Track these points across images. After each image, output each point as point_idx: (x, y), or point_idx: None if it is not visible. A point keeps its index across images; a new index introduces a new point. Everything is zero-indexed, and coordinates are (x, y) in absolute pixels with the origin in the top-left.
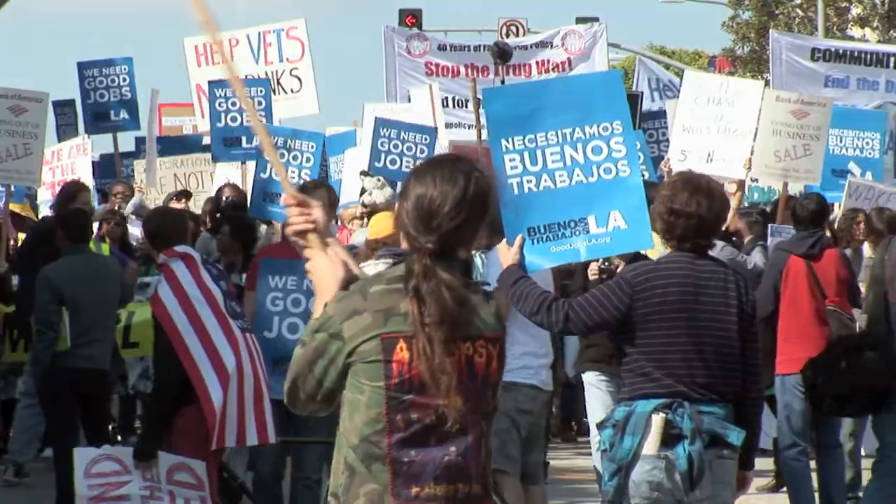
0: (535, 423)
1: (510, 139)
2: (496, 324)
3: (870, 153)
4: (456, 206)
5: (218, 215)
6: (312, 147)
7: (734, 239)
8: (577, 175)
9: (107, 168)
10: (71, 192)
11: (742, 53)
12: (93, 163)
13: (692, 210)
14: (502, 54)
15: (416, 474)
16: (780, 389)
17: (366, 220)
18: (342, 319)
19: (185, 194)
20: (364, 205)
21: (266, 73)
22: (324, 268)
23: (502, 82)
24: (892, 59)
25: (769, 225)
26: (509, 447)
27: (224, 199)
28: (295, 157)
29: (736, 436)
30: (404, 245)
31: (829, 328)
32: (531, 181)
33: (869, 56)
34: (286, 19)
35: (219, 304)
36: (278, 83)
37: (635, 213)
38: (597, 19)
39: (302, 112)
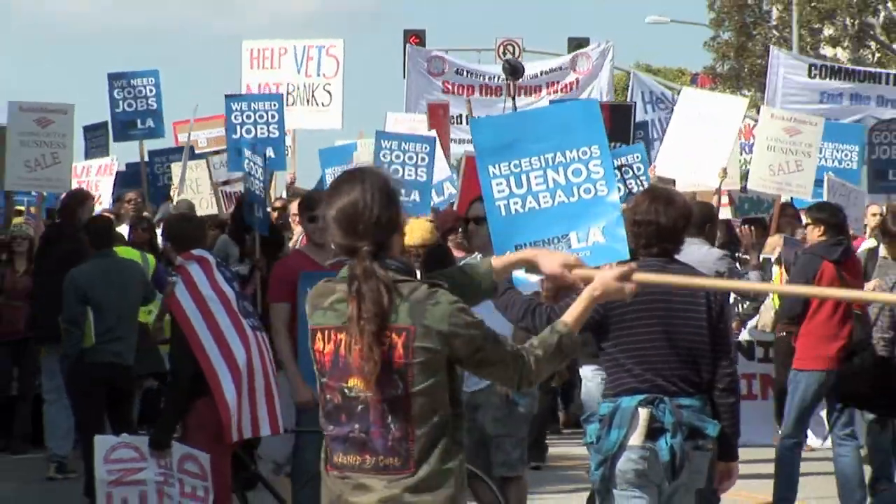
0: None
1: (497, 165)
2: (406, 317)
3: (848, 164)
4: (367, 207)
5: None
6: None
7: (738, 254)
8: (559, 196)
9: (132, 176)
10: (79, 199)
11: (722, 71)
12: (118, 172)
13: (651, 218)
14: (513, 71)
15: (333, 445)
16: (793, 382)
17: None
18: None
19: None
20: None
21: (304, 84)
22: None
23: (513, 101)
24: (883, 77)
25: (783, 236)
26: (525, 454)
27: None
28: (252, 172)
29: (713, 428)
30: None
31: (854, 329)
32: (517, 202)
33: (862, 73)
34: (326, 38)
35: (231, 303)
36: (312, 95)
37: (613, 228)
38: (587, 40)
39: (326, 125)
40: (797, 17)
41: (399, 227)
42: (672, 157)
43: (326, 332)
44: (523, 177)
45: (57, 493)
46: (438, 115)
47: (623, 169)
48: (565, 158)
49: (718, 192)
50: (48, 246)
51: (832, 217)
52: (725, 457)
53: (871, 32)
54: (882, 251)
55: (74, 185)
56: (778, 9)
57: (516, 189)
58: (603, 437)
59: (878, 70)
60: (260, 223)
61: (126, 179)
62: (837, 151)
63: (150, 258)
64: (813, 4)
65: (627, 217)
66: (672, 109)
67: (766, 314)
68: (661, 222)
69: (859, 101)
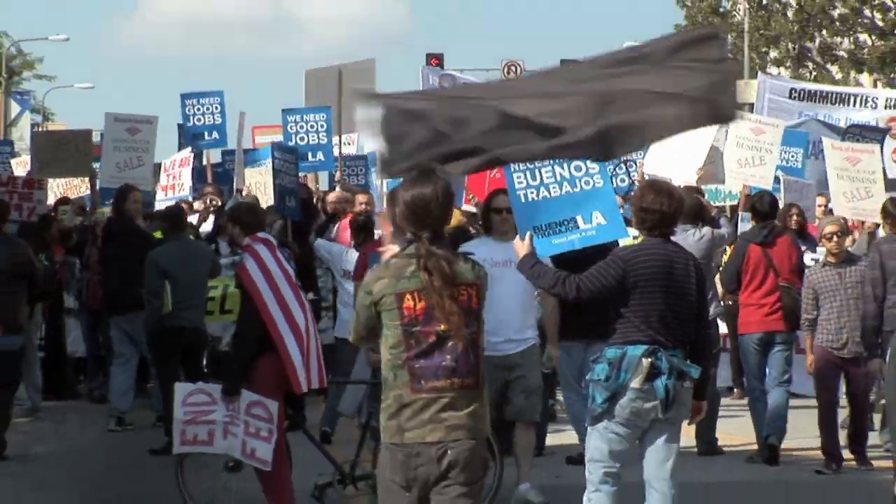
0: None
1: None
2: (472, 275)
3: (794, 164)
4: (436, 203)
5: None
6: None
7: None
8: (566, 187)
9: (221, 174)
10: (123, 194)
11: None
12: (195, 170)
13: (657, 207)
14: None
15: (425, 374)
16: (741, 347)
17: None
18: (373, 283)
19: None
20: None
21: None
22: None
23: None
24: (852, 99)
25: (738, 213)
26: None
27: None
28: (283, 169)
29: (695, 371)
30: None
31: (782, 300)
32: (533, 192)
33: (833, 96)
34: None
35: (291, 278)
36: None
37: (611, 212)
38: (577, 61)
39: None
40: (748, 42)
41: (449, 219)
42: (658, 158)
43: (416, 294)
44: (537, 171)
45: (129, 440)
46: None
47: (628, 163)
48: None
49: (699, 187)
50: (110, 236)
51: (759, 205)
52: (698, 396)
53: (809, 55)
54: (881, 234)
55: (164, 178)
56: (732, 35)
57: (532, 181)
58: (612, 377)
59: (847, 91)
60: (292, 210)
61: (218, 177)
62: (786, 153)
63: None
64: (761, 32)
65: (634, 204)
66: None
67: (718, 286)
68: (665, 210)
69: (830, 120)
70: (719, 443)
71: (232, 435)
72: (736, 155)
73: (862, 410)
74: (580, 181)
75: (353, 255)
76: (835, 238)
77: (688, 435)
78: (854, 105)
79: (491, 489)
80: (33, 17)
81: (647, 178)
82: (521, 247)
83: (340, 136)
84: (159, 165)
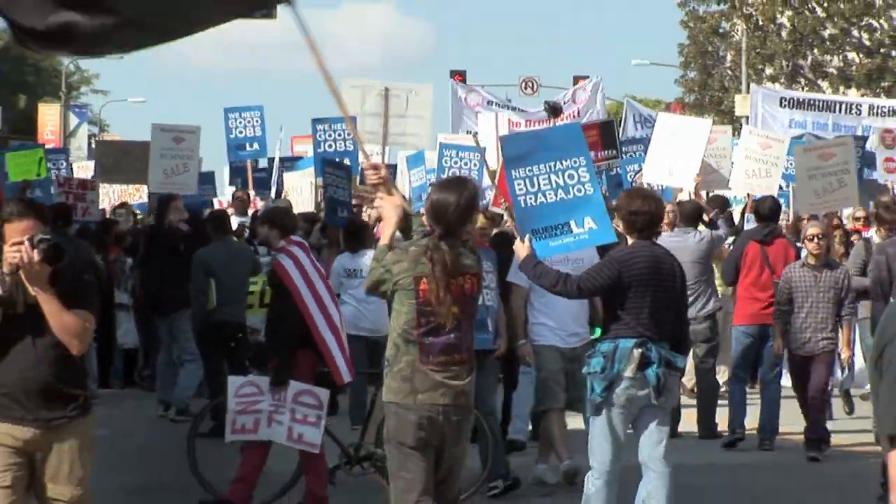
0: None
1: (517, 170)
2: (475, 266)
3: (790, 171)
4: (454, 209)
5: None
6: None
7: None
8: (560, 193)
9: (263, 181)
10: (167, 202)
11: (689, 101)
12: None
13: (645, 210)
14: (554, 110)
15: (432, 350)
16: (733, 336)
17: None
18: (391, 264)
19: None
20: None
21: None
22: (389, 205)
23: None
24: (838, 106)
25: (744, 215)
26: None
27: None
28: (335, 183)
29: (681, 361)
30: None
31: (775, 296)
32: (531, 198)
33: (821, 103)
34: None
35: (325, 276)
36: None
37: (601, 217)
38: (587, 77)
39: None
40: (745, 60)
41: (467, 223)
42: (654, 167)
43: (430, 278)
44: (534, 179)
45: (177, 425)
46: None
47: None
48: (562, 166)
49: (697, 193)
50: (153, 240)
51: (761, 208)
52: None
53: (802, 72)
54: (876, 238)
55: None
56: (731, 54)
57: (530, 188)
58: (608, 368)
59: (834, 99)
60: (343, 221)
61: (258, 182)
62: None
63: None
64: (757, 51)
65: (622, 209)
66: None
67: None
68: (653, 212)
69: (818, 127)
70: (718, 428)
71: (277, 423)
72: (744, 166)
73: (816, 402)
74: (573, 188)
75: (346, 256)
76: (816, 240)
77: (689, 421)
78: (840, 111)
79: (482, 474)
80: None
81: (647, 186)
82: (521, 249)
83: (384, 148)
84: (210, 175)
